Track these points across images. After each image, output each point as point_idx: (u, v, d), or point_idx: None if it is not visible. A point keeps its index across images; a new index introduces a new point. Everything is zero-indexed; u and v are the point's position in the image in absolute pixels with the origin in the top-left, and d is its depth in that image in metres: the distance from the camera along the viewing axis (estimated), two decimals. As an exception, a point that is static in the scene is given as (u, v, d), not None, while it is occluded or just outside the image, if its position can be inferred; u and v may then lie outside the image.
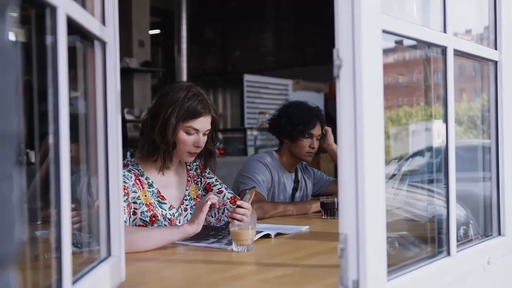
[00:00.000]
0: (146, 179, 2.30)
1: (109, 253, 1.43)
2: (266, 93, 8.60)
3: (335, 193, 3.09)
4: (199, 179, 2.50)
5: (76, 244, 1.36)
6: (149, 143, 2.28)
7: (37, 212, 2.15)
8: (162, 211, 2.29)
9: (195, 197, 2.45)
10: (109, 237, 1.44)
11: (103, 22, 1.41)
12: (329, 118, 3.40)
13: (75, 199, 1.20)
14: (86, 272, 1.26)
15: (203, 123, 2.28)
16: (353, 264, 1.22)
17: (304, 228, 2.45)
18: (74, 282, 1.14)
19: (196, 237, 2.10)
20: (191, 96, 2.25)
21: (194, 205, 2.42)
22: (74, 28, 1.17)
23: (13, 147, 0.62)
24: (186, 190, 2.43)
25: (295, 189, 3.24)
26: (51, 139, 1.04)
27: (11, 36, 0.62)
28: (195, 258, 1.88)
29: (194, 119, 2.25)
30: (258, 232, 2.12)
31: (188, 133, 2.26)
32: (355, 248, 1.22)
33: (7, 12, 0.61)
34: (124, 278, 1.50)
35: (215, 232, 2.24)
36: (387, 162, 1.37)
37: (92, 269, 1.30)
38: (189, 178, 2.46)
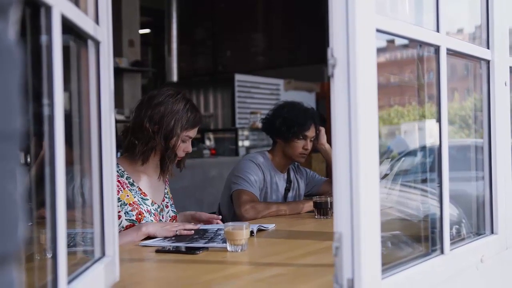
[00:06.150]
0: (126, 179, 2.39)
1: (103, 253, 1.43)
2: (258, 93, 8.60)
3: (327, 193, 3.09)
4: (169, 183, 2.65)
5: (69, 244, 1.36)
6: (150, 149, 2.37)
7: (29, 212, 2.14)
8: (146, 207, 2.39)
9: (171, 197, 2.61)
10: (103, 237, 1.43)
11: (97, 21, 1.40)
12: (321, 118, 3.40)
13: (67, 199, 1.20)
14: (81, 272, 1.26)
15: (196, 131, 2.48)
16: (348, 263, 1.22)
17: (271, 227, 2.46)
18: (69, 282, 1.14)
19: (186, 239, 2.10)
20: (190, 107, 2.42)
21: (172, 204, 2.57)
22: (67, 27, 1.16)
23: (16, 146, 0.62)
24: (165, 188, 2.57)
25: (287, 189, 3.24)
26: (46, 140, 1.04)
27: (14, 36, 0.62)
28: (189, 258, 1.88)
29: (193, 128, 2.43)
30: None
31: (183, 141, 2.41)
32: (350, 247, 1.22)
33: (10, 12, 0.61)
34: (118, 278, 1.49)
35: (202, 233, 2.24)
36: (380, 161, 1.37)
37: (86, 269, 1.30)
38: (166, 179, 2.59)
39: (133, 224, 2.29)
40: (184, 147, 2.42)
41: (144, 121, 2.35)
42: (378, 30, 1.30)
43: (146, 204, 2.39)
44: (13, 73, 0.60)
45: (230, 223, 2.04)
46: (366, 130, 1.24)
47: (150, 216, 2.37)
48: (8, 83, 0.59)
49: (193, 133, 2.44)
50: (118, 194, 2.28)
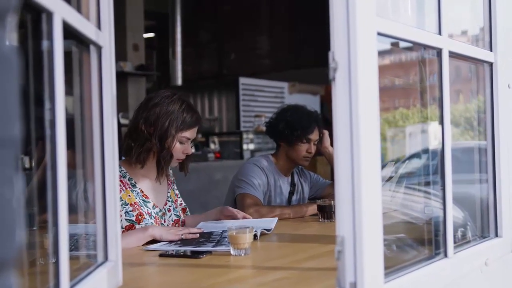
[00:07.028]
0: (129, 180, 2.40)
1: (106, 258, 1.43)
2: (262, 96, 8.60)
3: (331, 196, 3.08)
4: (174, 186, 2.64)
5: (71, 247, 1.36)
6: (146, 150, 2.37)
7: (33, 217, 2.15)
8: (147, 210, 2.39)
9: (175, 200, 2.58)
10: (106, 242, 1.44)
11: (99, 26, 1.41)
12: (325, 121, 3.39)
13: (71, 204, 1.20)
14: (84, 277, 1.26)
15: (195, 132, 2.45)
16: (350, 266, 1.22)
17: (274, 222, 2.50)
18: (72, 286, 1.14)
19: (192, 243, 2.10)
20: (186, 108, 2.40)
21: (175, 207, 2.55)
22: (69, 32, 1.17)
23: (14, 152, 0.62)
24: (168, 192, 2.56)
25: (291, 193, 3.24)
26: (47, 145, 1.04)
27: (12, 42, 0.62)
28: (193, 262, 1.87)
29: (189, 129, 2.41)
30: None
31: (180, 142, 2.41)
32: (352, 250, 1.22)
33: (8, 18, 0.61)
34: (121, 282, 1.49)
35: (208, 236, 2.23)
36: (384, 164, 1.37)
37: (89, 274, 1.30)
38: (169, 182, 2.59)
39: (132, 225, 2.29)
40: (183, 149, 2.41)
41: (139, 123, 2.36)
42: (379, 33, 1.30)
43: (147, 207, 2.39)
44: (11, 79, 0.60)
45: (234, 227, 2.03)
46: (368, 133, 1.24)
47: (150, 218, 2.37)
48: (5, 90, 0.59)
49: (190, 134, 2.41)
50: (119, 194, 2.29)
